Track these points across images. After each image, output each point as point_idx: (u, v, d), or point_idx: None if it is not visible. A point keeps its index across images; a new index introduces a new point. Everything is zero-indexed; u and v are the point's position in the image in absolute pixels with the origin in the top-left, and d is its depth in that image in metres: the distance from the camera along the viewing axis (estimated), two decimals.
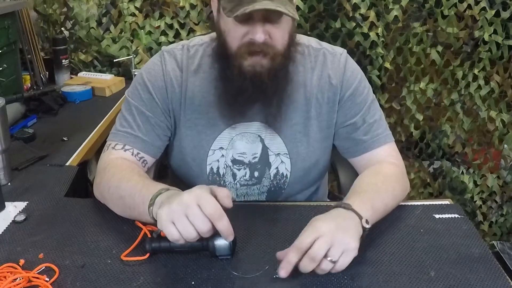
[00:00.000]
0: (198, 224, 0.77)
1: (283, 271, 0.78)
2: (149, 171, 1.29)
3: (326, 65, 1.10)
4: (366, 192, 0.95)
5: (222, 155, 1.10)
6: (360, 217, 0.86)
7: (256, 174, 1.12)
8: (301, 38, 1.12)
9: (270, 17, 0.93)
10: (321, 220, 0.83)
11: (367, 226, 0.85)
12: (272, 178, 1.13)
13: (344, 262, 0.79)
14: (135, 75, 1.56)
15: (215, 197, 0.80)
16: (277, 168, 1.12)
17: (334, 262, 0.79)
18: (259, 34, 0.93)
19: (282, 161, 1.11)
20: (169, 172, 1.27)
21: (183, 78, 1.09)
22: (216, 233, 0.82)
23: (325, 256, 0.78)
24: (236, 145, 1.10)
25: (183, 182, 1.17)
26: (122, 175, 0.98)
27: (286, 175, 1.12)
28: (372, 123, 1.10)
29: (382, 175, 1.03)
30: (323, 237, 0.79)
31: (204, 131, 1.09)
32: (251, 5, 0.88)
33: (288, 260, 0.79)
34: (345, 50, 1.13)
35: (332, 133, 1.13)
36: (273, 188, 1.14)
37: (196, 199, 0.78)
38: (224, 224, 0.78)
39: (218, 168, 1.11)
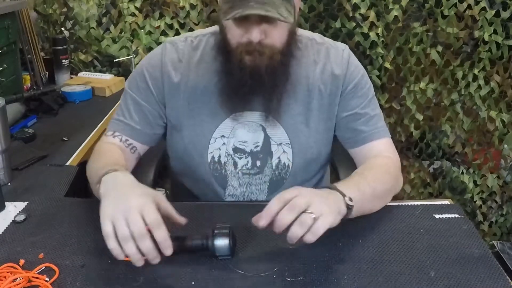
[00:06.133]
0: (133, 229, 0.76)
1: (263, 220, 0.80)
2: (149, 171, 1.30)
3: (329, 58, 1.12)
4: (351, 178, 0.97)
5: (224, 143, 1.12)
6: (344, 195, 0.87)
7: (258, 163, 1.13)
8: (305, 32, 1.15)
9: (266, 17, 0.94)
10: (303, 187, 0.85)
11: (351, 203, 0.86)
12: (274, 168, 1.14)
13: (323, 222, 0.79)
14: None
15: (158, 205, 0.81)
16: (279, 157, 1.13)
17: (314, 219, 0.78)
18: (254, 34, 0.95)
19: (284, 151, 1.13)
20: (170, 171, 1.28)
21: (184, 69, 1.11)
22: (216, 234, 0.82)
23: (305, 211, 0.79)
24: (238, 133, 1.11)
25: (184, 176, 1.19)
26: (99, 160, 1.02)
27: (288, 165, 1.14)
28: (373, 116, 1.12)
29: (371, 165, 1.05)
30: (302, 195, 0.81)
31: (206, 119, 1.11)
32: (241, 9, 0.91)
33: (269, 208, 0.80)
34: (347, 46, 1.15)
35: (333, 125, 1.15)
36: (274, 178, 1.15)
37: (140, 207, 0.78)
38: (161, 234, 0.77)
39: (219, 156, 1.13)
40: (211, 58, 1.10)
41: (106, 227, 0.78)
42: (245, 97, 1.06)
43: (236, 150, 1.12)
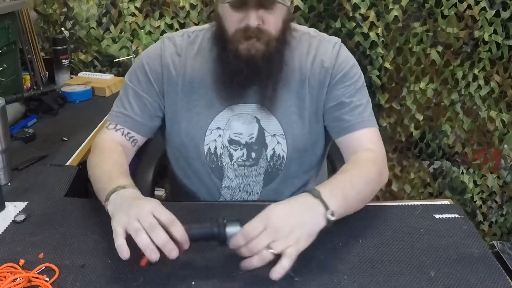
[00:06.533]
0: (144, 224, 0.77)
1: (234, 244, 0.79)
2: (149, 171, 1.31)
3: (320, 50, 1.13)
4: (339, 179, 0.95)
5: (219, 135, 1.13)
6: (326, 208, 0.84)
7: (253, 155, 1.14)
8: (301, 27, 1.17)
9: (263, 3, 0.97)
10: (276, 210, 0.82)
11: (332, 218, 0.84)
12: (269, 159, 1.15)
13: (287, 258, 0.77)
14: None
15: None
16: (273, 149, 1.14)
17: (275, 254, 0.77)
18: (252, 19, 0.97)
19: (278, 142, 1.13)
20: (168, 171, 1.28)
21: (181, 63, 1.13)
22: (228, 221, 0.81)
23: (268, 246, 0.77)
24: (233, 125, 1.12)
25: (182, 170, 1.20)
26: (100, 159, 1.03)
27: (283, 156, 1.14)
28: (358, 106, 1.11)
29: (357, 162, 1.03)
30: (269, 229, 0.78)
31: (202, 111, 1.13)
32: None
33: (237, 241, 0.79)
34: (340, 40, 1.16)
35: (322, 116, 1.15)
36: (270, 169, 1.16)
37: (151, 209, 0.80)
38: (178, 229, 0.78)
39: (215, 148, 1.14)
40: (207, 50, 1.12)
41: (118, 229, 0.78)
42: (240, 87, 1.07)
43: (231, 142, 1.13)
